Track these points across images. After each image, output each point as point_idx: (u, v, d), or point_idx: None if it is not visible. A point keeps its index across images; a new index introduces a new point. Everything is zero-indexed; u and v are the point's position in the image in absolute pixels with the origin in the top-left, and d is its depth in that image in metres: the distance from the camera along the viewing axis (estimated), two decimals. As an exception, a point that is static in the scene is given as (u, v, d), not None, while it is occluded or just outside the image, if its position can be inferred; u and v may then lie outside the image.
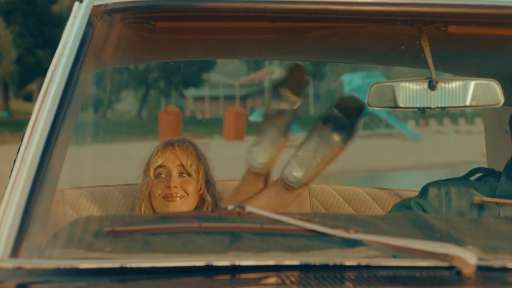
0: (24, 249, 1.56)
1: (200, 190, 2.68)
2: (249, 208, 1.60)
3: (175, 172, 2.67)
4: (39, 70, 37.21)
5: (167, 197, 2.64)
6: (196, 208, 2.66)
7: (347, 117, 2.32)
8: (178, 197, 2.64)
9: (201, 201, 2.69)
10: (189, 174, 2.67)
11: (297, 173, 2.36)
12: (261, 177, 2.53)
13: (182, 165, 2.67)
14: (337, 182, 3.17)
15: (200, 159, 2.70)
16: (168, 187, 2.64)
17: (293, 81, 2.48)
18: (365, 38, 2.36)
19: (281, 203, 2.44)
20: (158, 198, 2.65)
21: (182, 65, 37.89)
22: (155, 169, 2.68)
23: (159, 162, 2.67)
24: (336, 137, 2.34)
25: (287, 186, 2.41)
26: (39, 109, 1.79)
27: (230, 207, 1.61)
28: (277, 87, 2.48)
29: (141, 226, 1.61)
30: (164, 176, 2.67)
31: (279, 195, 2.43)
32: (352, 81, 36.15)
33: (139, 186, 2.74)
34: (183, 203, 2.64)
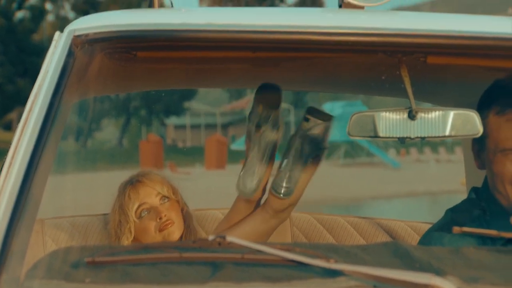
0: (3, 281, 1.55)
1: (182, 209, 2.70)
2: (229, 238, 1.60)
3: (157, 202, 2.67)
4: (19, 99, 37.08)
5: (162, 229, 2.64)
6: (185, 228, 2.68)
7: (319, 122, 2.32)
8: (169, 224, 2.65)
9: (186, 219, 2.70)
10: (168, 198, 2.68)
11: (287, 184, 2.36)
12: (251, 205, 2.51)
13: (159, 193, 2.68)
14: (319, 210, 3.18)
15: (168, 180, 2.73)
16: (160, 218, 2.64)
17: (265, 95, 2.41)
18: (345, 68, 2.38)
19: (266, 230, 2.43)
20: (154, 235, 2.65)
21: (163, 94, 37.92)
22: (135, 211, 2.67)
23: (137, 202, 2.67)
24: (313, 147, 2.34)
25: (277, 200, 2.38)
26: (19, 139, 1.79)
27: (210, 237, 1.60)
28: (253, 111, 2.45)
29: (122, 257, 1.60)
30: (148, 212, 2.67)
31: (265, 221, 2.42)
32: (333, 110, 36.31)
33: (113, 237, 2.71)
34: (175, 229, 2.65)
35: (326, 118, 2.32)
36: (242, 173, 2.41)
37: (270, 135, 2.39)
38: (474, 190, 2.38)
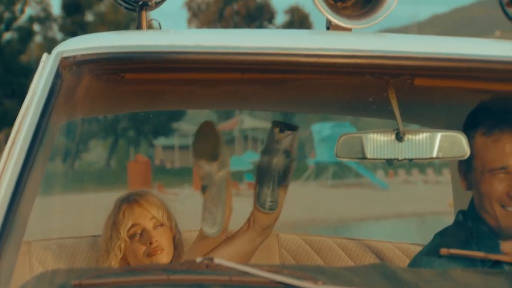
0: (-11, 303, 1.54)
1: (175, 237, 2.68)
2: (217, 260, 1.59)
3: (150, 226, 2.65)
4: (6, 120, 36.95)
5: (150, 255, 2.62)
6: (175, 256, 2.66)
7: (289, 133, 2.35)
8: (159, 250, 2.62)
9: (177, 247, 2.68)
10: (162, 224, 2.66)
11: (271, 198, 2.37)
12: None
13: (154, 217, 2.66)
14: (307, 231, 3.18)
15: (165, 205, 2.70)
16: (150, 243, 2.62)
17: (204, 146, 2.35)
18: (333, 90, 2.39)
19: (252, 249, 2.42)
20: (142, 259, 2.62)
21: (151, 115, 37.92)
22: (128, 230, 2.64)
23: (131, 222, 2.64)
24: (286, 157, 2.36)
25: (265, 216, 2.37)
26: (6, 160, 1.78)
27: (198, 259, 1.60)
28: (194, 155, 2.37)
29: (108, 279, 1.59)
30: (139, 234, 2.64)
31: (251, 240, 2.41)
32: (322, 131, 36.39)
33: (103, 251, 2.68)
34: (164, 257, 2.63)
35: (294, 128, 2.36)
36: (203, 221, 2.38)
37: (219, 181, 2.38)
38: (461, 212, 2.39)
